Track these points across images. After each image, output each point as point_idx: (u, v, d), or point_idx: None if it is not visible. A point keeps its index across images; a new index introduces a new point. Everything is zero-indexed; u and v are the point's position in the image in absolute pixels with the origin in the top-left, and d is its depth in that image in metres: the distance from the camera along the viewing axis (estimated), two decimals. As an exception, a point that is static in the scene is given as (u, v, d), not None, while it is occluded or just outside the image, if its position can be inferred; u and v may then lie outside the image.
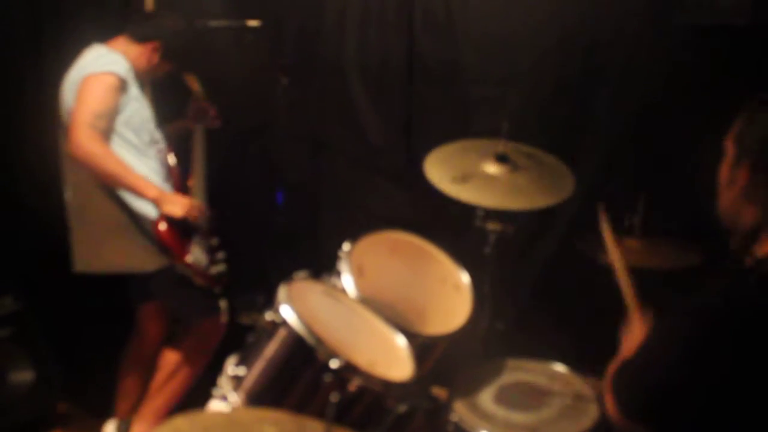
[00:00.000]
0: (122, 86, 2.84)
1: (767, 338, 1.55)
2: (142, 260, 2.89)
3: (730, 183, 1.73)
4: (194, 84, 3.24)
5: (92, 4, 3.01)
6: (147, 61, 2.99)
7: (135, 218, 2.87)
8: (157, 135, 3.05)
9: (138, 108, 2.93)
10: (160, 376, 3.07)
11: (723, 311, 1.60)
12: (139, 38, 2.97)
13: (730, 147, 1.73)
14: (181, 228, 2.90)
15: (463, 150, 2.97)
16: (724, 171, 1.75)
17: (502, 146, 2.86)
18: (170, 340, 3.14)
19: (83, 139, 2.70)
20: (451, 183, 2.76)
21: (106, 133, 2.79)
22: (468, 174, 2.80)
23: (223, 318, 3.11)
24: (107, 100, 2.78)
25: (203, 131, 3.24)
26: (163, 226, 2.84)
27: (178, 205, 2.86)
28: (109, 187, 2.84)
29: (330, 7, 3.62)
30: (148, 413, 3.08)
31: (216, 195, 3.15)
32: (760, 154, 1.67)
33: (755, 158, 1.67)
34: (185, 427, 1.60)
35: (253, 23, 3.25)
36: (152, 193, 2.81)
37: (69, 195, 2.96)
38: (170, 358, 3.07)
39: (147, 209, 2.86)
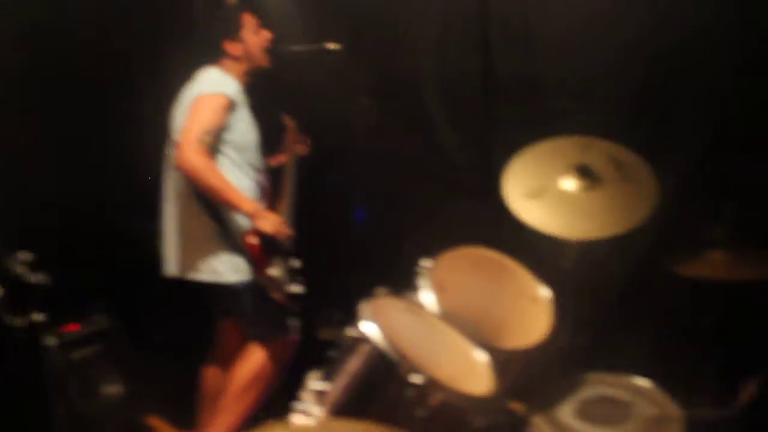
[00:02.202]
0: (232, 107, 2.99)
1: None
2: (227, 271, 3.03)
3: None
4: (289, 122, 3.45)
5: (207, 30, 3.14)
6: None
7: (227, 231, 3.02)
8: (260, 159, 3.18)
9: (244, 129, 3.07)
10: (230, 393, 3.14)
11: None
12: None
13: None
14: (268, 244, 3.03)
15: (548, 155, 2.91)
16: None
17: (588, 148, 2.81)
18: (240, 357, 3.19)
19: (191, 153, 2.85)
20: (523, 199, 2.75)
21: (213, 149, 2.94)
22: (542, 189, 2.78)
23: (295, 336, 3.19)
24: (216, 119, 2.93)
25: (295, 159, 3.41)
26: (253, 239, 2.99)
27: (270, 222, 2.99)
28: (206, 201, 2.99)
29: (407, 26, 3.65)
30: (218, 430, 3.14)
31: (299, 213, 3.24)
32: None
33: None
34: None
35: (333, 46, 3.30)
36: (249, 207, 2.96)
37: (168, 204, 3.11)
38: (240, 375, 3.13)
39: (240, 223, 3.01)
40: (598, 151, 2.83)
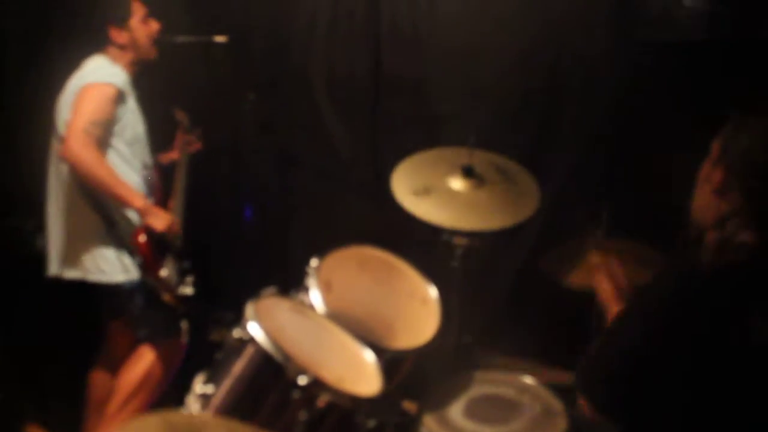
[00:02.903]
0: (120, 98, 2.90)
1: (715, 326, 1.64)
2: (115, 270, 2.95)
3: (705, 180, 1.82)
4: (182, 117, 3.35)
5: (91, 15, 3.02)
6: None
7: (115, 228, 2.94)
8: (148, 154, 3.10)
9: (133, 121, 2.99)
10: (118, 398, 3.04)
11: (675, 301, 1.69)
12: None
13: (715, 148, 1.82)
14: (158, 243, 2.96)
15: (434, 161, 2.99)
16: (705, 168, 1.84)
17: (471, 156, 2.88)
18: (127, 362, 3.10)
19: (78, 145, 2.76)
20: (412, 196, 2.79)
21: (101, 141, 2.85)
22: (430, 187, 2.83)
23: (184, 339, 3.13)
24: (104, 110, 2.85)
25: (188, 157, 3.32)
26: (142, 238, 2.91)
27: (161, 219, 2.93)
28: (92, 196, 2.89)
29: (297, 22, 3.64)
30: None
31: (186, 211, 3.16)
32: (737, 157, 1.76)
33: (732, 160, 1.76)
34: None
35: (220, 39, 3.26)
36: (139, 203, 2.88)
37: (51, 201, 2.99)
38: (127, 380, 3.04)
39: (129, 220, 2.93)
40: (481, 158, 2.92)
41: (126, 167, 2.96)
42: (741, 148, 1.77)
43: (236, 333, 2.13)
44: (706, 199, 1.82)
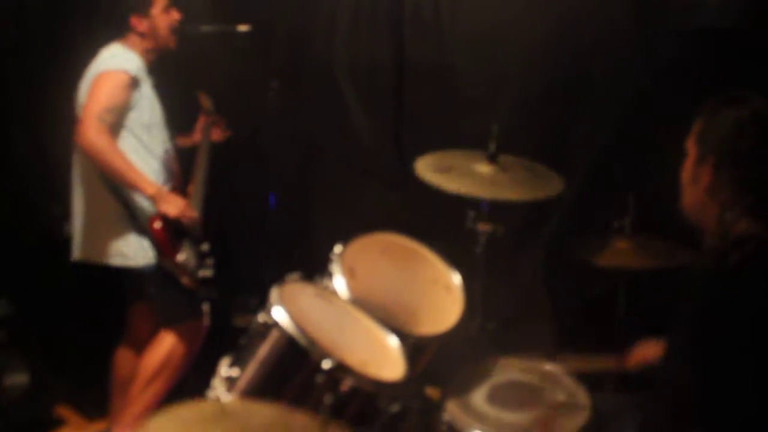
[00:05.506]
0: (134, 84, 2.92)
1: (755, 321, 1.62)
2: (136, 255, 2.98)
3: (693, 181, 1.81)
4: (205, 101, 3.35)
5: (115, 3, 3.05)
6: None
7: (133, 213, 2.97)
8: (167, 139, 3.12)
9: (149, 107, 3.01)
10: (140, 380, 3.08)
11: (716, 303, 1.66)
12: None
13: (692, 147, 1.81)
14: (175, 228, 2.99)
15: (456, 154, 3.01)
16: (687, 170, 1.83)
17: (493, 149, 2.89)
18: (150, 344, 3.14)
19: (90, 132, 2.80)
20: (435, 173, 2.80)
21: (114, 128, 2.88)
22: (453, 167, 2.83)
23: (205, 321, 3.15)
24: (117, 96, 2.87)
25: (209, 144, 3.32)
26: (157, 224, 2.95)
27: (174, 205, 2.95)
28: (112, 183, 2.92)
29: (320, 10, 3.64)
30: (128, 419, 3.09)
31: (210, 198, 3.19)
32: (722, 151, 1.75)
33: (718, 155, 1.75)
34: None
35: (243, 28, 3.27)
36: (150, 190, 2.90)
37: (75, 187, 3.03)
38: (150, 362, 3.08)
39: (145, 205, 2.96)
40: (506, 159, 2.93)
41: (144, 152, 2.99)
42: (720, 142, 1.76)
43: (261, 317, 2.15)
44: (698, 199, 1.82)
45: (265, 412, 1.72)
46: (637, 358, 2.38)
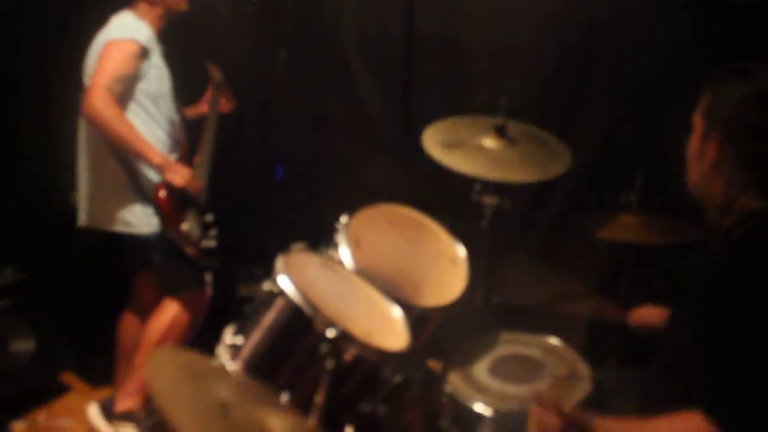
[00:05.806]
0: (143, 53, 2.92)
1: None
2: (140, 222, 3.00)
3: (699, 156, 1.81)
4: (216, 73, 3.33)
5: None
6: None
7: (139, 182, 2.98)
8: (174, 109, 3.12)
9: (157, 77, 3.01)
10: (144, 348, 3.10)
11: (717, 291, 1.67)
12: None
13: (698, 122, 1.80)
14: (180, 198, 3.00)
15: (464, 124, 2.97)
16: (694, 145, 1.83)
17: (501, 121, 2.87)
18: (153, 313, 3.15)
19: (98, 101, 2.80)
20: (441, 148, 2.78)
21: (122, 97, 2.88)
22: (460, 142, 2.82)
23: (208, 292, 3.16)
24: (126, 66, 2.87)
25: (217, 115, 3.31)
26: (162, 193, 2.96)
27: (179, 175, 2.97)
28: (118, 151, 2.93)
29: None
30: (132, 389, 3.12)
31: (217, 169, 3.19)
32: (729, 126, 1.75)
33: (724, 130, 1.74)
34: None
35: (253, -3, 3.25)
36: (157, 159, 2.91)
37: (81, 154, 3.04)
38: (153, 330, 3.10)
39: (151, 175, 2.97)
40: (515, 127, 2.89)
41: (150, 122, 2.99)
42: (727, 116, 1.75)
43: (266, 286, 2.15)
44: (704, 174, 1.81)
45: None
46: (641, 316, 2.40)
